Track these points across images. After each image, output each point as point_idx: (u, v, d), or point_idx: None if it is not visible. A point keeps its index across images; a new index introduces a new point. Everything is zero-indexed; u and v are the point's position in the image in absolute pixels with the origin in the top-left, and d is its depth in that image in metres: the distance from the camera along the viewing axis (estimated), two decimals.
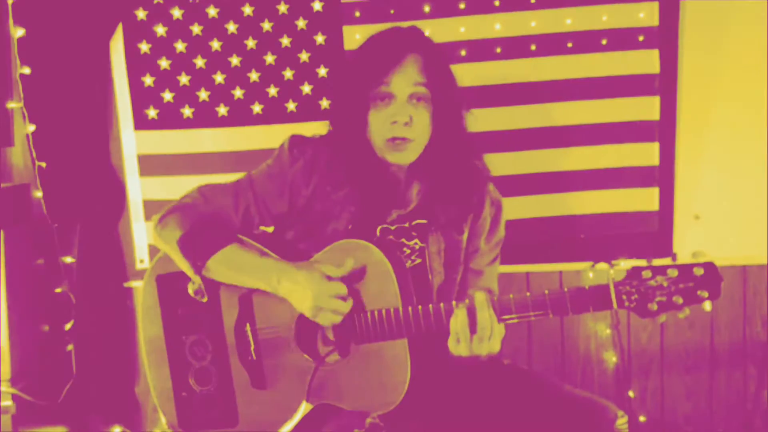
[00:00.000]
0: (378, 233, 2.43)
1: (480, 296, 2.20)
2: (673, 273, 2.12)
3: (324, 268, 2.27)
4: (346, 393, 2.30)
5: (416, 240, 2.44)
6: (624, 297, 2.15)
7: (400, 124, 2.35)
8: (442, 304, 2.24)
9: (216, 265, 2.33)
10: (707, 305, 2.11)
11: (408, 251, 2.43)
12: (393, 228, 2.44)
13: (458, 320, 2.21)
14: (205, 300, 2.38)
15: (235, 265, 2.34)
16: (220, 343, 2.40)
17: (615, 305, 2.15)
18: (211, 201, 2.43)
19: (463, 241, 2.47)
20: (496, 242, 2.53)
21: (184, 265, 2.36)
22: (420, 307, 2.25)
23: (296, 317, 2.34)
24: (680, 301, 2.11)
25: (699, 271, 2.11)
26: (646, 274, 2.14)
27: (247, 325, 2.38)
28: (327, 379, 2.31)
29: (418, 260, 2.43)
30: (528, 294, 2.20)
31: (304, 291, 2.26)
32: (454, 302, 2.24)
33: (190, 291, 2.37)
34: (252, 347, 2.37)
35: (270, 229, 2.50)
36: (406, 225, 2.44)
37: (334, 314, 2.26)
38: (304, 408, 2.30)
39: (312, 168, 2.43)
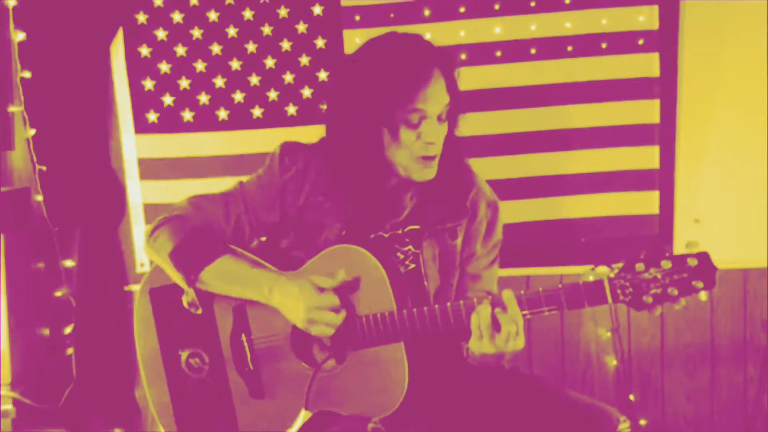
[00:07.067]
0: (371, 240, 2.39)
1: (508, 293, 2.16)
2: (667, 265, 2.10)
3: (316, 279, 2.26)
4: (345, 399, 2.29)
5: (410, 246, 2.41)
6: (618, 291, 2.12)
7: (437, 144, 2.32)
8: (461, 302, 2.21)
9: (209, 276, 2.33)
10: (703, 295, 2.09)
11: (402, 256, 2.40)
12: (387, 236, 2.41)
13: (481, 317, 2.16)
14: (199, 312, 2.38)
15: (228, 277, 2.33)
16: (216, 355, 2.40)
17: (610, 299, 2.13)
18: (201, 212, 2.42)
19: (458, 245, 2.44)
20: (493, 245, 2.49)
21: (176, 278, 2.36)
22: (437, 306, 2.22)
23: (291, 325, 2.32)
24: (675, 292, 2.09)
25: (693, 262, 2.08)
26: (640, 267, 2.11)
27: (243, 335, 2.37)
28: (325, 386, 2.30)
29: (412, 265, 2.40)
30: (522, 292, 2.18)
31: (296, 302, 2.25)
32: (475, 299, 2.20)
33: (184, 303, 2.37)
34: (249, 357, 2.36)
35: (263, 239, 2.49)
36: (399, 232, 2.42)
37: (327, 327, 2.25)
38: (304, 416, 2.30)
39: (303, 178, 2.41)
